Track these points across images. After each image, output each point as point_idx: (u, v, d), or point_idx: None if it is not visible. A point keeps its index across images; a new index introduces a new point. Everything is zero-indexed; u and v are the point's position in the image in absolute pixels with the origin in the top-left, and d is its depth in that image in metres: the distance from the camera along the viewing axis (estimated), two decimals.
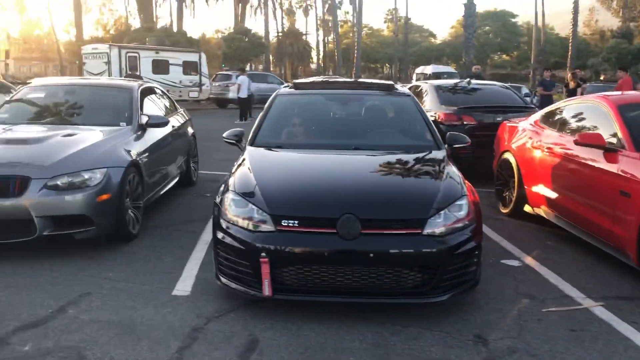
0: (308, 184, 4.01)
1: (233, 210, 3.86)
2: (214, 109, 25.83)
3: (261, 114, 5.31)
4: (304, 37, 67.50)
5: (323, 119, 5.54)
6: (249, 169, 4.27)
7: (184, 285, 4.26)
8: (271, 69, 61.44)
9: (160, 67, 22.76)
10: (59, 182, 4.75)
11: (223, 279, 3.90)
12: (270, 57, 59.49)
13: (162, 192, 6.59)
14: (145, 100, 6.70)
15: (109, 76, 20.63)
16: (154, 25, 40.29)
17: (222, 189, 4.22)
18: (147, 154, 5.90)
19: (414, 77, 36.48)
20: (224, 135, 5.25)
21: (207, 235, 5.56)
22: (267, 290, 3.61)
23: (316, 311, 3.77)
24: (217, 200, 4.12)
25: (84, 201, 4.79)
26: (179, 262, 4.77)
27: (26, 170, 4.72)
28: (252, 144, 4.89)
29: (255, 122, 5.33)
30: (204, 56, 24.85)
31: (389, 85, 5.83)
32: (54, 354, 3.21)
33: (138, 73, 17.60)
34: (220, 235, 3.88)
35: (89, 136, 5.50)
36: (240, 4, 51.24)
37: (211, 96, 25.75)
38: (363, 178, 4.17)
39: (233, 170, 4.42)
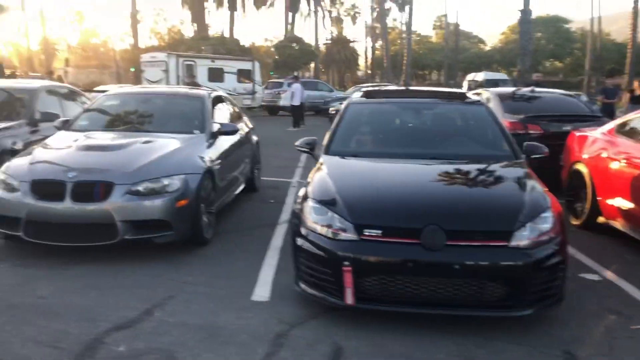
0: (391, 194, 4.00)
1: (313, 217, 3.89)
2: (265, 116, 26.15)
3: (334, 122, 5.33)
4: (351, 44, 67.58)
5: (397, 128, 5.53)
6: (327, 177, 4.29)
7: (263, 291, 4.32)
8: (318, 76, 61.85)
9: (216, 75, 23.24)
10: (140, 188, 4.91)
11: (302, 285, 3.93)
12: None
13: (230, 198, 6.71)
14: (215, 108, 6.85)
15: (166, 84, 21.17)
16: (207, 34, 41.18)
17: (299, 196, 4.26)
18: (219, 161, 6.02)
19: (465, 84, 36.00)
20: (297, 143, 5.31)
21: (276, 241, 5.64)
22: (349, 298, 3.61)
23: (398, 321, 3.75)
24: (296, 207, 4.16)
25: (164, 206, 4.93)
26: (253, 267, 4.84)
27: (110, 176, 4.89)
28: (327, 152, 4.92)
29: (324, 130, 5.38)
30: (257, 64, 25.25)
31: (461, 94, 5.78)
32: (147, 355, 3.31)
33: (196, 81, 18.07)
34: (300, 242, 3.91)
35: (166, 144, 5.66)
36: (290, 13, 51.84)
37: (263, 104, 26.10)
38: (445, 188, 4.13)
39: (310, 179, 4.46)
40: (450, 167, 4.46)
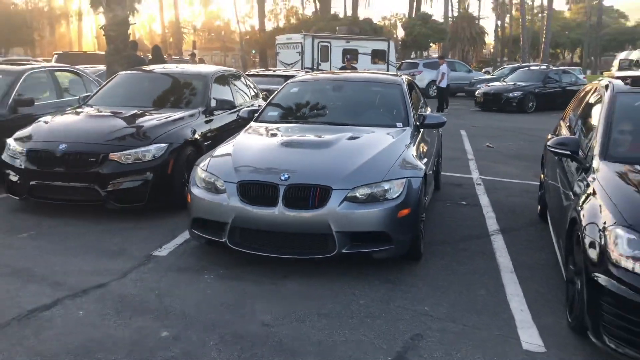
0: None
1: (627, 251, 2.91)
2: None
3: (601, 123, 4.13)
4: (477, 22, 64.15)
5: None
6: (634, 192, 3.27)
7: (531, 337, 3.41)
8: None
9: (350, 56, 22.47)
10: (358, 194, 4.18)
11: (608, 341, 2.98)
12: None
13: (428, 202, 5.87)
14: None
15: (302, 67, 20.78)
16: (330, 14, 40.59)
17: (586, 219, 3.28)
18: (426, 160, 5.18)
19: (616, 63, 32.51)
20: (550, 144, 4.29)
21: (503, 259, 4.72)
22: None
23: None
24: (592, 235, 3.17)
25: (385, 216, 4.17)
26: (496, 297, 3.96)
27: (327, 180, 4.20)
28: (604, 158, 3.81)
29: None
30: (392, 44, 24.20)
31: None
32: None
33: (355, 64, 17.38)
34: (604, 281, 2.96)
35: (374, 140, 4.91)
36: None
37: None
38: None
39: (589, 193, 3.46)
40: None
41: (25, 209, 6.03)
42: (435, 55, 56.62)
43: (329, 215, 4.09)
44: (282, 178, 4.21)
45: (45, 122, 6.26)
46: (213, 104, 7.07)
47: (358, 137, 4.95)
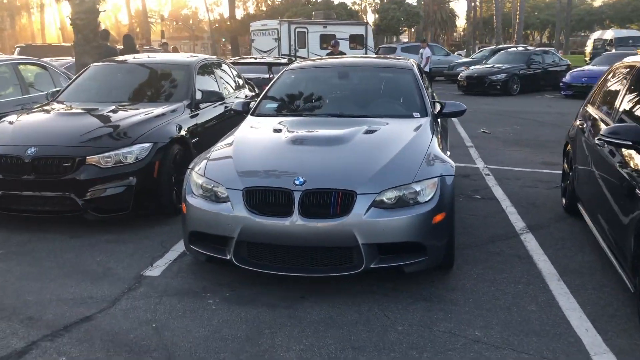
0: None
1: None
2: None
3: None
4: (447, 4, 63.89)
5: None
6: None
7: None
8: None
9: (328, 41, 21.70)
10: (384, 198, 3.57)
11: None
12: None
13: None
14: None
15: (278, 54, 20.01)
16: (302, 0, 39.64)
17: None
18: (449, 154, 4.59)
19: (589, 43, 32.49)
20: (604, 134, 3.71)
21: (543, 265, 4.18)
22: None
23: None
24: None
25: (418, 223, 3.56)
26: (552, 314, 3.40)
27: (349, 183, 3.57)
28: None
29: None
30: (370, 28, 23.51)
31: None
32: None
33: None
34: None
35: (394, 133, 4.30)
36: None
37: None
38: None
39: None
40: None
41: None
42: (406, 40, 56.14)
43: (354, 225, 3.47)
44: (297, 183, 3.56)
45: (10, 123, 5.47)
46: (198, 96, 6.35)
47: (375, 131, 4.33)
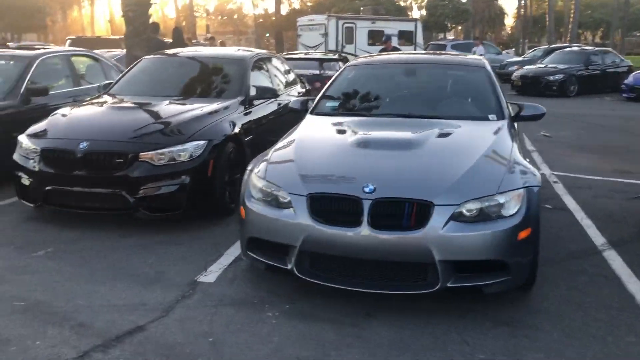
0: None
1: None
2: None
3: None
4: (496, 1, 62.33)
5: None
6: None
7: None
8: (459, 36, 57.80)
9: (376, 37, 21.30)
10: (464, 211, 3.23)
11: None
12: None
13: None
14: None
15: (325, 49, 19.72)
16: None
17: None
18: (528, 160, 4.20)
19: None
20: None
21: (633, 287, 3.77)
22: None
23: None
24: None
25: (502, 239, 3.21)
26: None
27: (426, 192, 3.25)
28: None
29: None
30: (419, 25, 22.96)
31: None
32: None
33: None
34: None
35: (469, 137, 3.97)
36: None
37: None
38: None
39: None
40: None
41: (39, 218, 5.15)
42: (451, 38, 55.05)
43: (431, 239, 3.15)
44: (367, 190, 3.26)
45: (63, 115, 5.34)
46: (252, 92, 6.11)
47: (449, 134, 3.99)
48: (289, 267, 3.44)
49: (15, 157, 5.14)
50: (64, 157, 4.76)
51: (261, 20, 58.84)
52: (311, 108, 4.85)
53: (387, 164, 3.56)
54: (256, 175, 3.74)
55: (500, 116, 4.40)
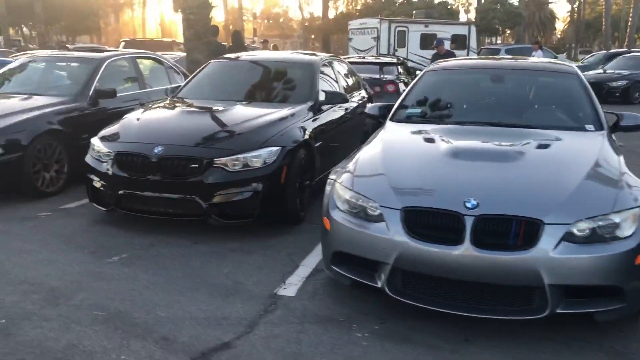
0: None
1: None
2: None
3: None
4: (547, 5, 60.85)
5: None
6: None
7: None
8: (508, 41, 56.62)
9: (428, 42, 20.91)
10: (576, 231, 2.96)
11: None
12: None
13: None
14: None
15: (377, 53, 19.48)
16: None
17: None
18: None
19: None
20: None
21: None
22: None
23: None
24: None
25: (617, 263, 2.94)
26: None
27: (535, 209, 2.99)
28: None
29: None
30: (473, 29, 22.44)
31: None
32: None
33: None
34: None
35: (572, 149, 3.71)
36: None
37: None
38: None
39: None
40: None
41: (110, 221, 5.10)
42: (499, 42, 53.78)
43: (540, 261, 2.90)
44: (469, 205, 3.03)
45: (137, 119, 5.29)
46: (321, 97, 5.95)
47: (548, 145, 3.72)
48: (379, 285, 3.24)
49: (88, 159, 5.10)
50: (139, 161, 4.68)
51: (307, 24, 58.97)
52: (391, 115, 4.64)
53: (488, 177, 3.32)
54: (342, 186, 3.55)
55: (598, 126, 4.10)
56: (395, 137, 4.18)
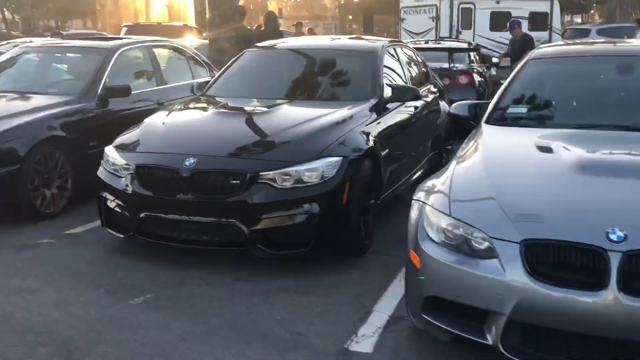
0: None
1: None
2: None
3: None
4: None
5: None
6: None
7: None
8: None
9: (500, 21, 20.55)
10: None
11: None
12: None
13: None
14: None
15: (436, 36, 19.24)
16: None
17: None
18: None
19: None
20: None
21: None
22: None
23: None
24: None
25: None
26: None
27: None
28: None
29: None
30: (557, 5, 21.93)
31: None
32: None
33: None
34: None
35: None
36: None
37: None
38: None
39: None
40: None
41: (129, 251, 4.98)
42: (578, 21, 52.98)
43: None
44: (614, 238, 2.80)
45: (163, 123, 5.20)
46: (387, 93, 5.77)
47: None
48: (490, 341, 3.03)
49: (101, 173, 5.01)
50: (166, 176, 4.58)
51: (343, 1, 59.07)
52: (486, 116, 4.43)
53: (634, 199, 3.08)
54: (434, 209, 3.35)
55: None
56: (498, 146, 3.98)
